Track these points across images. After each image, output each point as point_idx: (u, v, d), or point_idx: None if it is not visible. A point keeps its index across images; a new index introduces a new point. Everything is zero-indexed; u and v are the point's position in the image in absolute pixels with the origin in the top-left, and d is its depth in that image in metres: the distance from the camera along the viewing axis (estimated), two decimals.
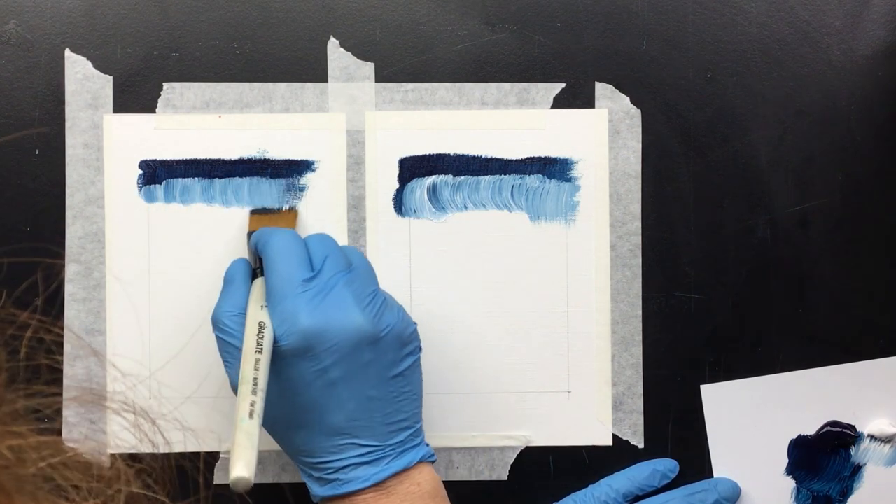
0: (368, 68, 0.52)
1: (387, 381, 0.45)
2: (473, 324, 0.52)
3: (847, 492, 0.53)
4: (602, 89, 0.53)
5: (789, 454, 0.53)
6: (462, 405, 0.52)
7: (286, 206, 0.52)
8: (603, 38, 0.53)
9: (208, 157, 0.52)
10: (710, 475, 0.53)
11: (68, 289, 0.51)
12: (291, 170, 0.52)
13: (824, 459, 0.53)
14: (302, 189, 0.52)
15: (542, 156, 0.53)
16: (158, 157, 0.52)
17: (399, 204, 0.52)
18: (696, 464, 0.53)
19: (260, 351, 0.43)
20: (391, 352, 0.45)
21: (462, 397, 0.53)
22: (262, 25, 0.52)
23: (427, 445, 0.47)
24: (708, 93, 0.53)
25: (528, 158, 0.53)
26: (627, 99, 0.53)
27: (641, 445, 0.53)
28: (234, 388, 0.45)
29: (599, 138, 0.53)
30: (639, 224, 0.53)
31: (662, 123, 0.53)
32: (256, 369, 0.43)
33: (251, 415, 0.42)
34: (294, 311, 0.44)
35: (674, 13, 0.53)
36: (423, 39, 0.52)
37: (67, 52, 0.52)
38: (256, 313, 0.45)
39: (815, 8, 0.53)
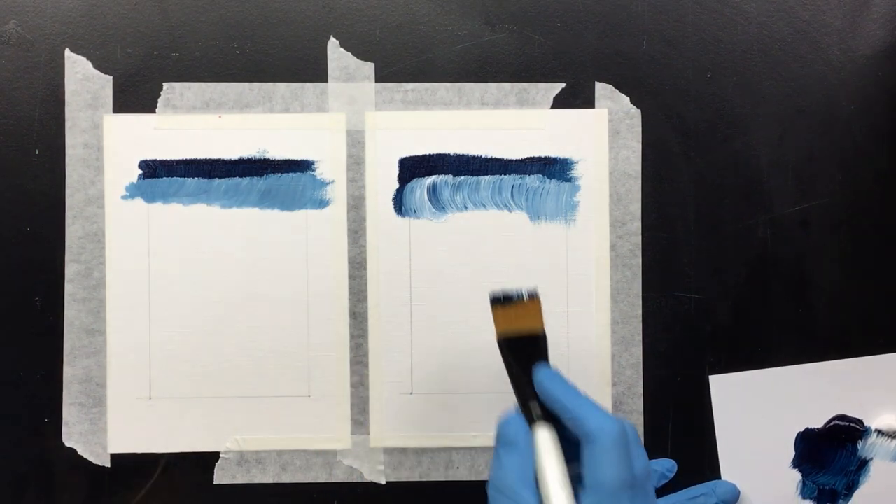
0: (368, 68, 0.52)
1: None
2: (473, 323, 0.52)
3: (853, 486, 0.53)
4: (602, 89, 0.53)
5: (796, 447, 0.53)
6: (462, 405, 0.53)
7: (525, 294, 0.44)
8: (603, 38, 0.53)
9: (208, 157, 0.52)
10: (710, 475, 0.53)
11: (68, 289, 0.51)
12: (291, 170, 0.52)
13: (831, 453, 0.53)
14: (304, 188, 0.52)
15: (542, 156, 0.53)
16: (158, 157, 0.52)
17: (399, 204, 0.52)
18: (695, 464, 0.53)
19: None
20: None
21: (462, 397, 0.52)
22: (262, 25, 0.52)
23: None
24: (708, 93, 0.53)
25: (528, 158, 0.53)
26: (627, 99, 0.53)
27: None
28: None
29: (599, 138, 0.53)
30: (639, 224, 0.53)
31: (662, 123, 0.53)
32: None
33: None
34: None
35: (674, 13, 0.53)
36: (423, 39, 0.52)
37: (67, 52, 0.52)
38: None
39: (815, 8, 0.53)
